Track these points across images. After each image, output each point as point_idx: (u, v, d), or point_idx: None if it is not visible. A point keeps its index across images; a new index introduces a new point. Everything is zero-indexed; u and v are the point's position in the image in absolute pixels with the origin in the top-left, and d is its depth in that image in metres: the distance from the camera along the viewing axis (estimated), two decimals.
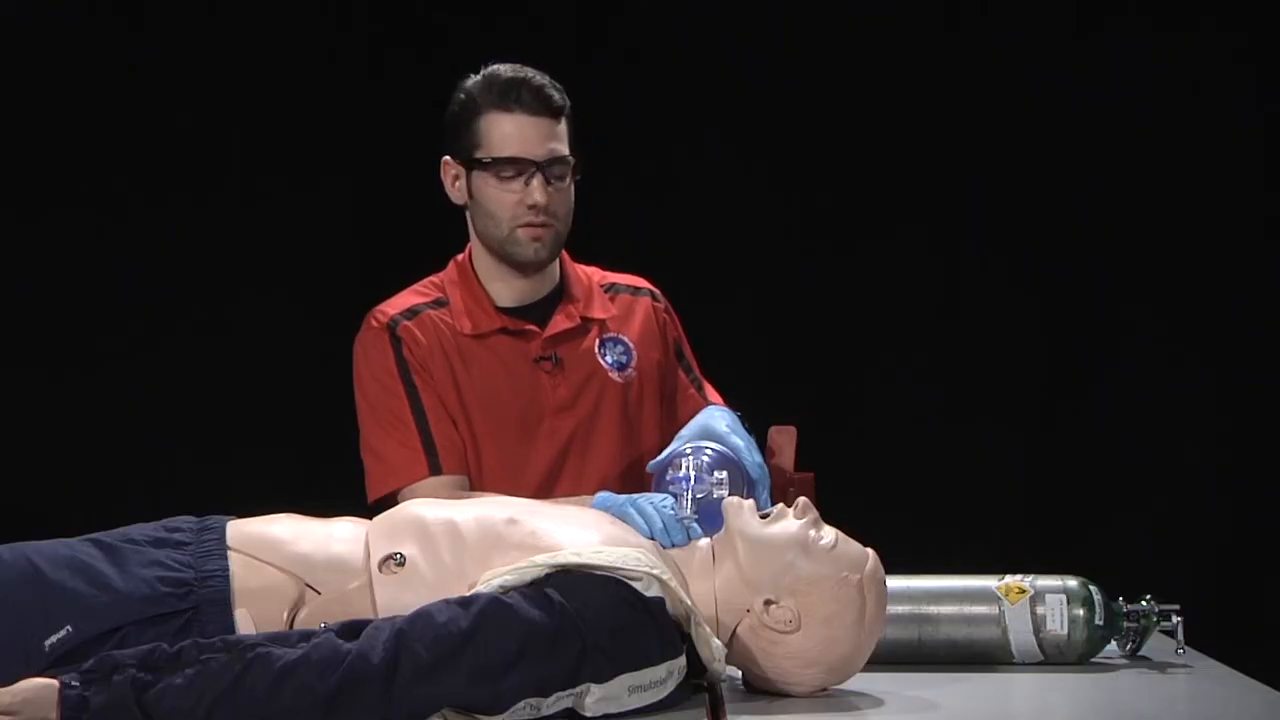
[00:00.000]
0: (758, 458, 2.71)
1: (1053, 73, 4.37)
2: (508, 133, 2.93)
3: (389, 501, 2.85)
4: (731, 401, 3.08)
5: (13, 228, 4.33)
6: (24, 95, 4.31)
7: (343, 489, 2.96)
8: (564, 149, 2.95)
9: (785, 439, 3.03)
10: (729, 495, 2.52)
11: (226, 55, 4.36)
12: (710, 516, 2.50)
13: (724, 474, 2.60)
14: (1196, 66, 4.34)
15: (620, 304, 3.08)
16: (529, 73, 2.96)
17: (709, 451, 2.65)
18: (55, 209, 4.33)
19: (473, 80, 2.99)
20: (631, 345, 3.05)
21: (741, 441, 2.70)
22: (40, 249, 4.33)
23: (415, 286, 3.05)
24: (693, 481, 2.56)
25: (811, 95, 4.37)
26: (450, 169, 3.01)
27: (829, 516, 2.41)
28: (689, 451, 2.65)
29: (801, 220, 4.42)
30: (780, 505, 2.40)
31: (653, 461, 2.72)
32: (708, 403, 3.05)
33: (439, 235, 3.11)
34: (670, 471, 2.61)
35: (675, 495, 2.54)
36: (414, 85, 4.26)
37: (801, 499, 2.40)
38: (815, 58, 4.38)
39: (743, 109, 4.39)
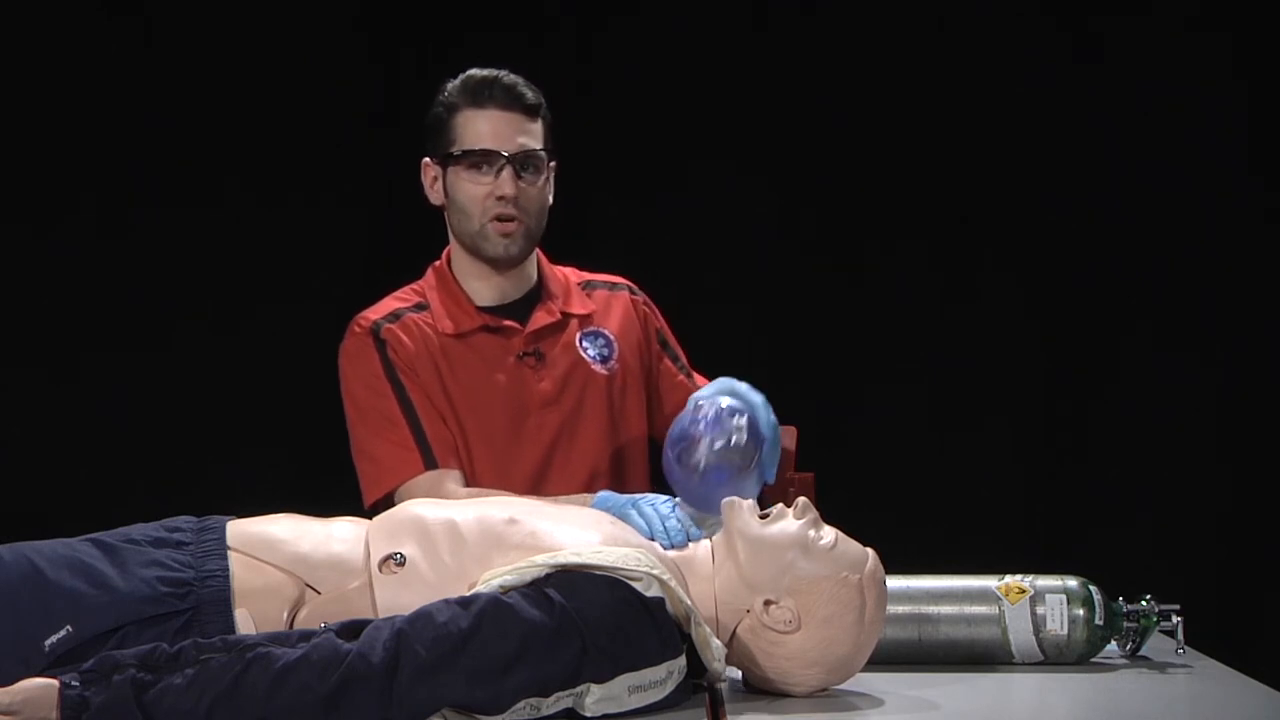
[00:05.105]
0: (773, 418, 2.70)
1: (1052, 79, 4.37)
2: (480, 129, 2.98)
3: (386, 504, 2.84)
4: None
5: (17, 229, 4.33)
6: (34, 103, 4.32)
7: (342, 489, 2.97)
8: (535, 145, 2.99)
9: (786, 439, 3.02)
10: (747, 441, 2.55)
11: (228, 58, 4.36)
12: (722, 472, 2.53)
13: (744, 419, 2.62)
14: (1193, 71, 4.34)
15: (598, 299, 3.11)
16: (502, 72, 3.01)
17: (728, 399, 2.66)
18: (60, 213, 4.34)
19: (451, 84, 3.04)
20: (612, 338, 3.07)
21: (759, 399, 2.71)
22: (43, 251, 4.33)
23: (395, 293, 3.08)
24: (715, 420, 2.59)
25: (815, 104, 4.37)
26: (430, 170, 3.06)
27: (829, 516, 2.41)
28: (709, 399, 2.67)
29: (804, 223, 4.42)
30: (780, 505, 2.39)
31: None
32: (698, 388, 3.04)
33: (439, 239, 3.10)
34: (692, 414, 2.63)
35: (690, 445, 2.58)
36: (416, 92, 4.26)
37: (801, 499, 2.40)
38: (817, 66, 4.38)
39: (747, 115, 4.39)
